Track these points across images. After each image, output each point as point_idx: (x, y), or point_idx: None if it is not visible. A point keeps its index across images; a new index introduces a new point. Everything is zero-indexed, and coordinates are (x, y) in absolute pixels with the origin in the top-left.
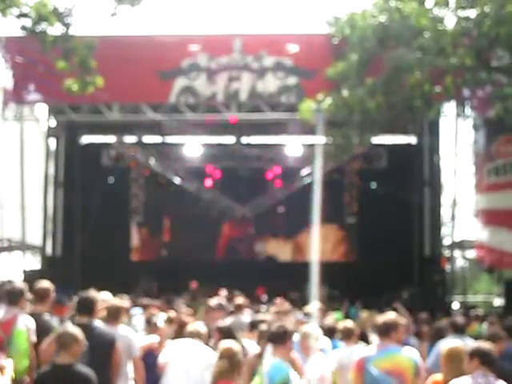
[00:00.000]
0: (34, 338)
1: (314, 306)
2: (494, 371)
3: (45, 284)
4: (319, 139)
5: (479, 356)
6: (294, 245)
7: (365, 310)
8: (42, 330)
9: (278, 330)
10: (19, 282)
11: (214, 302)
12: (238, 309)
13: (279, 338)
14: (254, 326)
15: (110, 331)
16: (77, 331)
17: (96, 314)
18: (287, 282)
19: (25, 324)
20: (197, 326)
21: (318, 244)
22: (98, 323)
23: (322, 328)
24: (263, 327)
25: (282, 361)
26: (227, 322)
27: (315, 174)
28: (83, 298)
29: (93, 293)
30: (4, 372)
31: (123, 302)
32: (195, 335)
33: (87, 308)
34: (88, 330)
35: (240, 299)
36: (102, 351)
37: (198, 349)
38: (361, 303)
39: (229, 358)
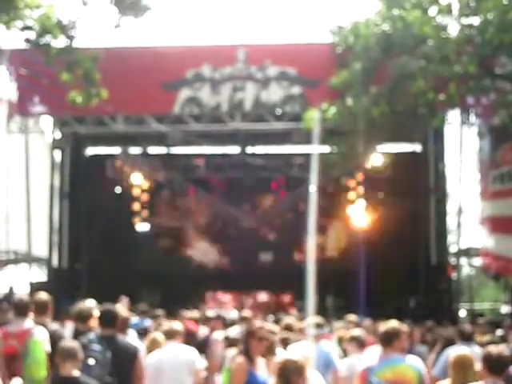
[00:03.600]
0: (48, 348)
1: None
2: (506, 377)
3: (42, 295)
4: (315, 148)
5: (487, 363)
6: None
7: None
8: (53, 339)
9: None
10: (23, 294)
11: (211, 312)
12: (244, 320)
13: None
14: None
15: (133, 343)
16: (76, 343)
17: (118, 326)
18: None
19: (40, 334)
20: (172, 325)
21: (314, 254)
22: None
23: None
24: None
25: None
26: (235, 331)
27: (312, 183)
28: (106, 310)
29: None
30: None
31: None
32: (171, 335)
33: (111, 320)
34: (112, 341)
35: (246, 311)
36: (126, 363)
37: (176, 350)
38: (366, 312)
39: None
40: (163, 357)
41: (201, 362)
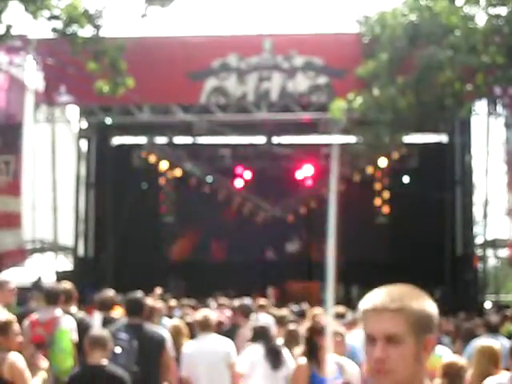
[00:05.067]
0: (75, 337)
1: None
2: None
3: (68, 284)
4: (336, 139)
5: None
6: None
7: None
8: (80, 328)
9: None
10: (54, 283)
11: (237, 302)
12: (260, 309)
13: None
14: (280, 322)
15: (160, 332)
16: (105, 332)
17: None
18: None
19: (68, 324)
20: (207, 315)
21: (335, 244)
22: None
23: None
24: (292, 326)
25: None
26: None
27: (332, 174)
28: (133, 299)
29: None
30: (38, 373)
31: (157, 302)
32: (207, 326)
33: (137, 309)
34: (139, 330)
35: (262, 300)
36: (152, 351)
37: (212, 341)
38: None
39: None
40: (200, 348)
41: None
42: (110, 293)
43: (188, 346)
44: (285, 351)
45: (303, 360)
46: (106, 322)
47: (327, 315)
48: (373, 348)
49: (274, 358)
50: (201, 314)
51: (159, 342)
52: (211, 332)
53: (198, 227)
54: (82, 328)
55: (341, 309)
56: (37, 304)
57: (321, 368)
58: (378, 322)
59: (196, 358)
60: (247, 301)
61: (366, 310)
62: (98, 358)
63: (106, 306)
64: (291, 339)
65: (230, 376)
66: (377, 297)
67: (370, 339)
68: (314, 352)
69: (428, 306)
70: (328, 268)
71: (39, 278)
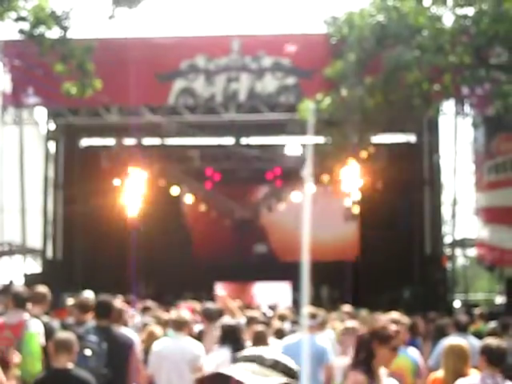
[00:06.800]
0: (43, 341)
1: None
2: (502, 369)
3: (42, 288)
4: (309, 139)
5: (486, 354)
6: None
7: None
8: (45, 332)
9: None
10: (21, 286)
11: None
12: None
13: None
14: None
15: (129, 334)
16: (71, 335)
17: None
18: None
19: (36, 327)
20: (181, 315)
21: (309, 244)
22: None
23: None
24: (259, 328)
25: None
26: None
27: (306, 175)
28: (101, 301)
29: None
30: (10, 373)
31: (123, 304)
32: (180, 326)
33: (106, 311)
34: (107, 332)
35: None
36: (121, 354)
37: (183, 343)
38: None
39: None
40: (169, 348)
41: (204, 359)
42: (88, 295)
43: (157, 344)
44: None
45: (360, 375)
46: (78, 325)
47: (302, 315)
48: None
49: None
50: (176, 313)
51: (128, 344)
52: (183, 333)
53: (169, 228)
54: (47, 332)
55: (312, 309)
56: (4, 308)
57: (376, 380)
58: None
59: (161, 357)
60: (210, 304)
61: None
62: (63, 361)
63: (83, 309)
64: (258, 340)
65: (192, 380)
66: None
67: None
68: (370, 362)
69: None
70: (303, 268)
71: (11, 282)
